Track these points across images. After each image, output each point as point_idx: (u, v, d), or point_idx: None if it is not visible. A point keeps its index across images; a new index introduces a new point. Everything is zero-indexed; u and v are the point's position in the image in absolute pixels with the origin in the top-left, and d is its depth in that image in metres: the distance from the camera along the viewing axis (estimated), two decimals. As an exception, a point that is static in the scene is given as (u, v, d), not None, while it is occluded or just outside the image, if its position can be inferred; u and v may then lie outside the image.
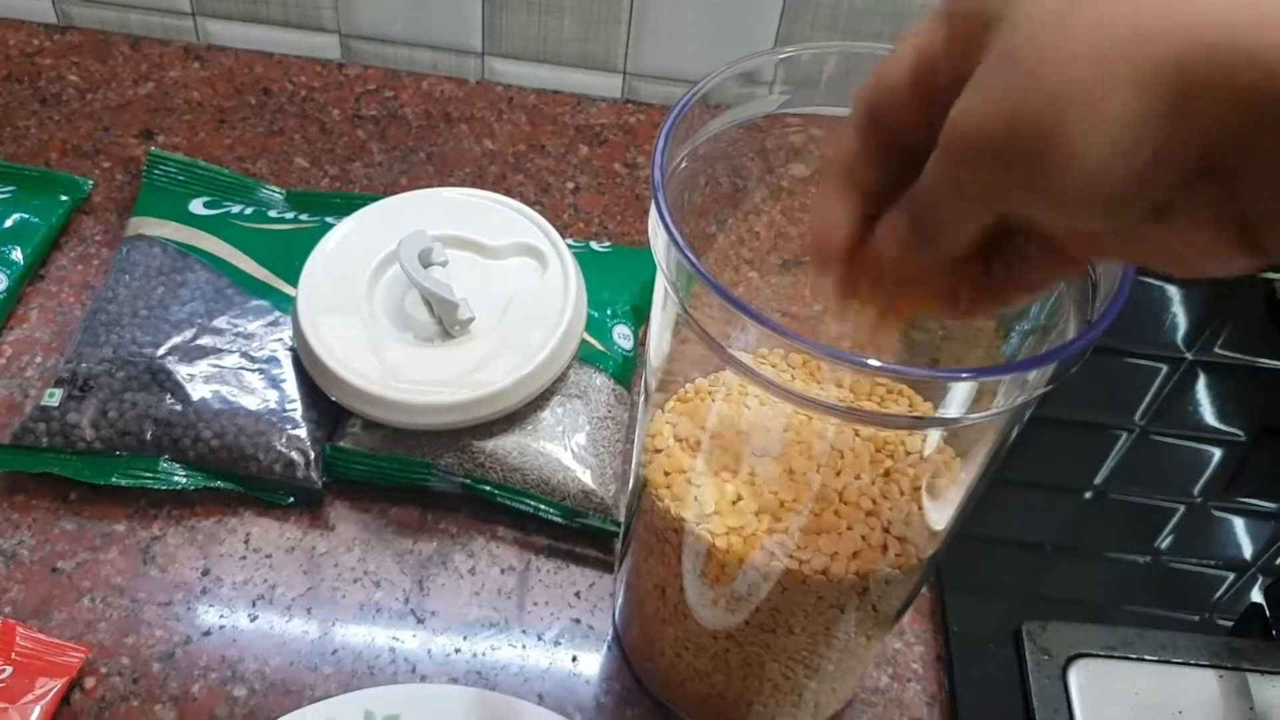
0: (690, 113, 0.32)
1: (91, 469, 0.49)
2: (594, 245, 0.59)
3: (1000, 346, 0.34)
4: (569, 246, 0.54)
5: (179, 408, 0.49)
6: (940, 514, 0.35)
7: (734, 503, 0.35)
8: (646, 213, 0.36)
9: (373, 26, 0.69)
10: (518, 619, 0.48)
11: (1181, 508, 0.55)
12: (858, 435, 0.35)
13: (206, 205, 0.58)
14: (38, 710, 0.42)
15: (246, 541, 0.49)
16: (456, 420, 0.49)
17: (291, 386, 0.51)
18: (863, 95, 0.27)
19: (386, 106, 0.68)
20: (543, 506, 0.49)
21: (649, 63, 0.69)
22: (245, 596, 0.47)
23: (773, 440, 0.35)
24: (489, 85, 0.71)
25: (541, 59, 0.70)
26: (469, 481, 0.49)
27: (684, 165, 0.34)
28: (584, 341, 0.52)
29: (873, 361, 0.25)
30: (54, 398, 0.49)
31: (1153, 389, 0.59)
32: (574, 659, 0.47)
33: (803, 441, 0.35)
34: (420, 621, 0.47)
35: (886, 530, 0.34)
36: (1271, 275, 0.64)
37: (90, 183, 0.61)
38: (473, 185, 0.63)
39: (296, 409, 0.50)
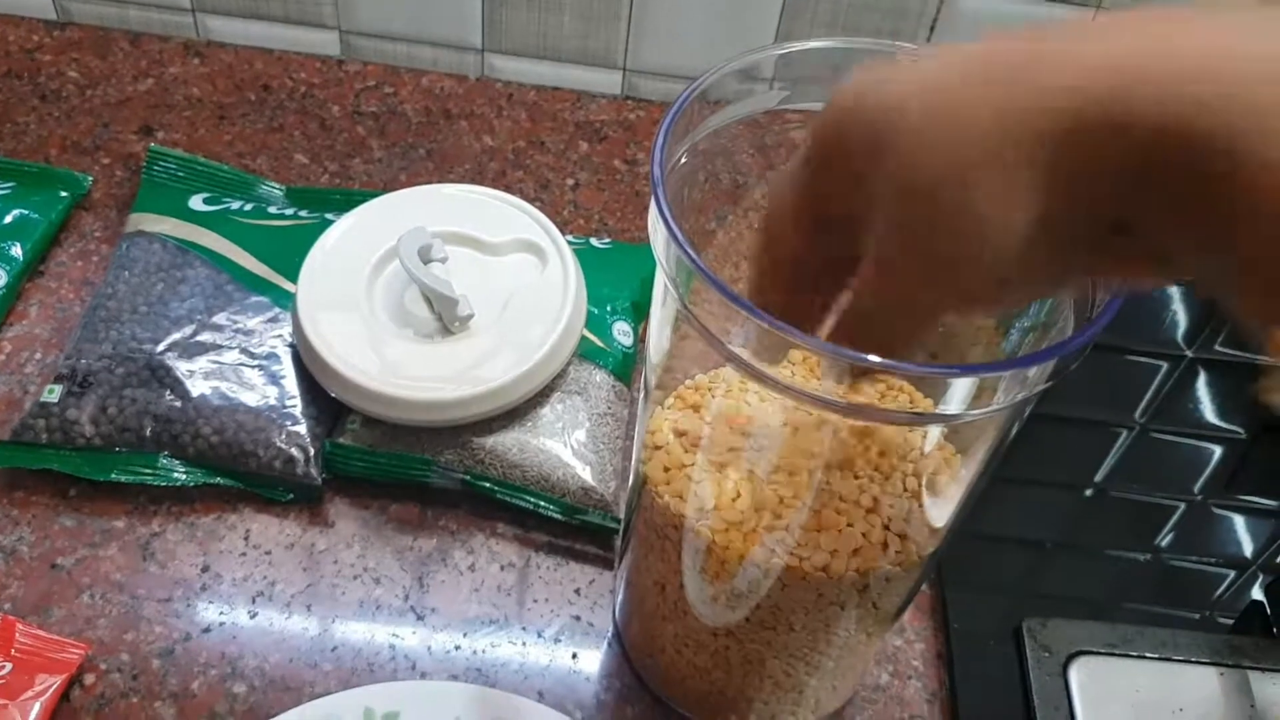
0: (690, 109, 0.32)
1: (91, 465, 0.49)
2: (594, 242, 0.59)
3: (1000, 343, 0.34)
4: (569, 243, 0.54)
5: (179, 404, 0.49)
6: (941, 511, 0.35)
7: (734, 499, 0.35)
8: (646, 209, 0.36)
9: (372, 23, 0.69)
10: (518, 616, 0.48)
11: (1182, 505, 0.55)
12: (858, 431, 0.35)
13: (206, 201, 0.58)
14: (37, 707, 0.42)
15: (246, 538, 0.49)
16: (456, 417, 0.49)
17: (291, 383, 0.51)
18: (761, 238, 0.28)
19: (386, 103, 0.68)
20: (543, 503, 0.49)
21: (649, 59, 0.69)
22: (245, 593, 0.47)
23: (773, 436, 0.35)
24: (489, 82, 0.71)
25: (541, 55, 0.69)
26: (469, 478, 0.49)
27: (684, 161, 0.34)
28: (584, 338, 0.52)
29: (873, 358, 0.25)
30: (53, 394, 0.49)
31: (1153, 386, 0.59)
32: (574, 656, 0.47)
33: (802, 438, 0.35)
34: (420, 618, 0.47)
35: (887, 527, 0.34)
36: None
37: (90, 179, 0.61)
38: (472, 182, 0.63)
39: (296, 405, 0.50)
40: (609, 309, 0.55)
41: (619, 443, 0.52)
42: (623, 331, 0.55)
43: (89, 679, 0.44)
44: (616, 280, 0.56)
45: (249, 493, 0.50)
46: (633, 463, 0.39)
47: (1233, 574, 0.53)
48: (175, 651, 0.45)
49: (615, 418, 0.52)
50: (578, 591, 0.49)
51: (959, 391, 0.27)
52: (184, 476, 0.49)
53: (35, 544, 0.47)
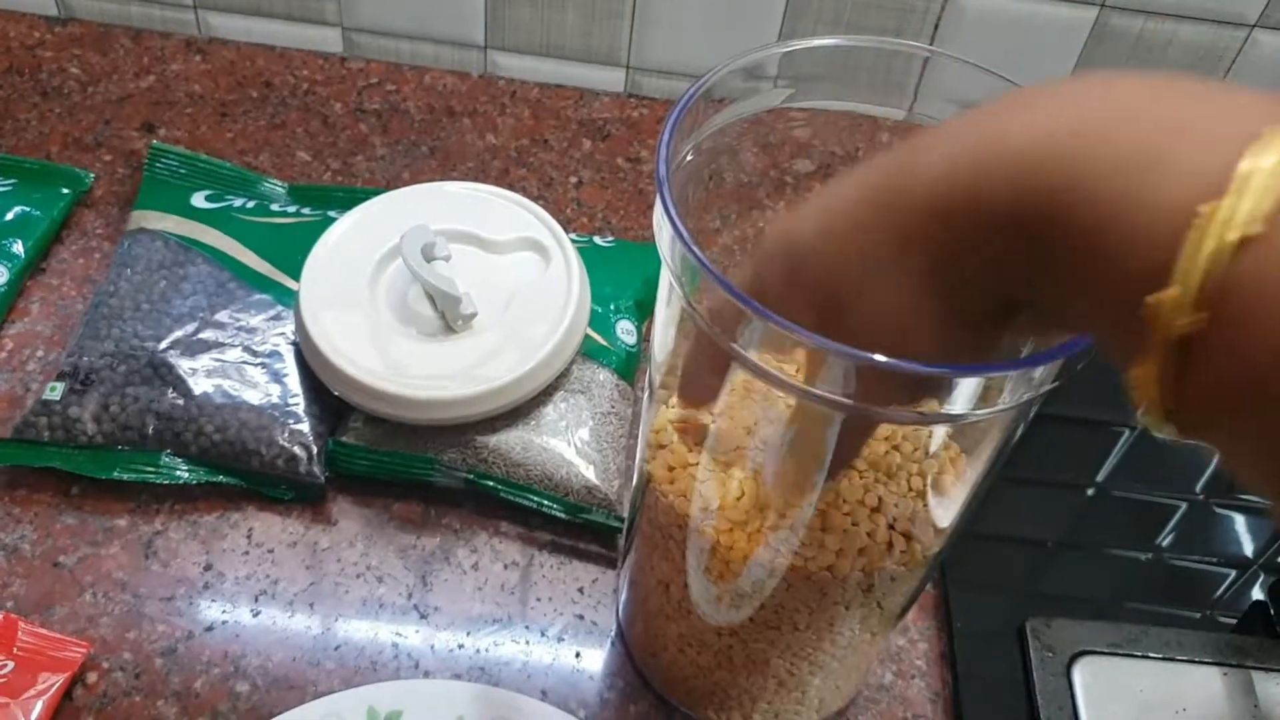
0: (694, 107, 0.32)
1: (93, 463, 0.48)
2: (597, 240, 0.59)
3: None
4: (572, 241, 0.54)
5: (181, 402, 0.49)
6: (946, 511, 0.35)
7: (738, 498, 0.35)
8: (650, 207, 0.36)
9: (375, 20, 0.69)
10: (521, 615, 0.47)
11: (1184, 505, 0.55)
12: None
13: (208, 199, 0.58)
14: (40, 705, 0.42)
15: (249, 537, 0.49)
16: (459, 415, 0.49)
17: (294, 381, 0.51)
18: None
19: (389, 100, 0.68)
20: (546, 502, 0.49)
21: (652, 57, 0.69)
22: (248, 592, 0.47)
23: (777, 435, 0.35)
24: (492, 79, 0.70)
25: (544, 53, 0.69)
26: (472, 477, 0.49)
27: (688, 160, 0.33)
28: (587, 337, 0.52)
29: (878, 357, 0.25)
30: (55, 392, 0.49)
31: (1157, 385, 0.59)
32: (577, 655, 0.47)
33: (807, 437, 0.35)
34: (423, 617, 0.47)
35: (892, 527, 0.34)
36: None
37: (91, 176, 0.61)
38: (475, 179, 0.62)
39: (299, 404, 0.50)
40: (612, 307, 0.55)
41: (622, 441, 0.52)
42: (626, 330, 0.55)
43: (91, 678, 0.44)
44: (620, 278, 0.56)
45: (251, 491, 0.50)
46: (636, 461, 0.39)
47: (1235, 574, 0.53)
48: (178, 650, 0.45)
49: (619, 416, 0.52)
50: (581, 590, 0.49)
51: (965, 391, 0.27)
52: (186, 475, 0.49)
53: (37, 542, 0.47)
